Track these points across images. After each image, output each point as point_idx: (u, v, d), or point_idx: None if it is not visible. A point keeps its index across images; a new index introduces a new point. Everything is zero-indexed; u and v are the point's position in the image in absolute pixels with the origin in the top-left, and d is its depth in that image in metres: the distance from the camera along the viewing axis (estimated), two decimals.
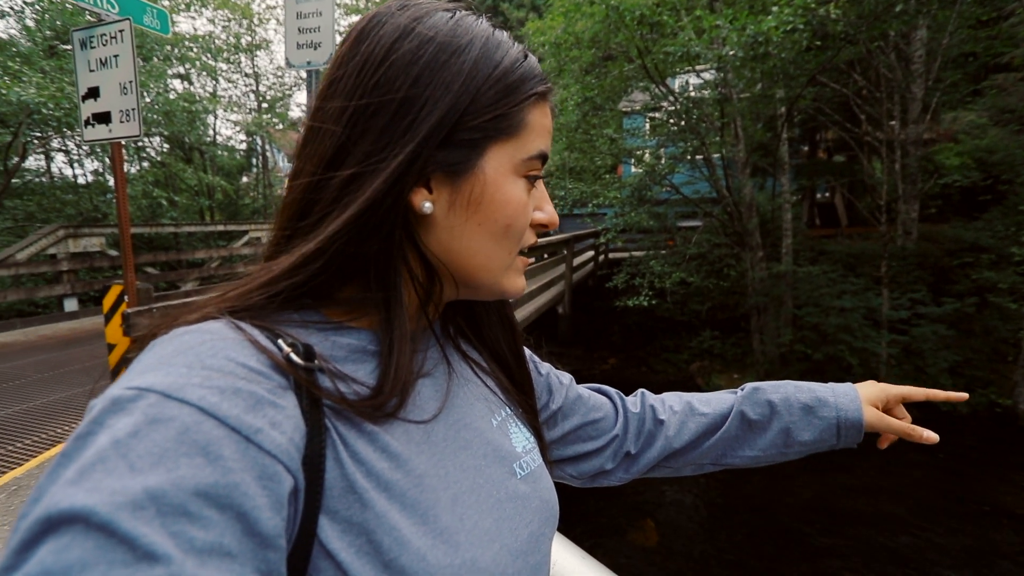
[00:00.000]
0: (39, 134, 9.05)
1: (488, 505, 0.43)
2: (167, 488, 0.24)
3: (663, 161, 10.06)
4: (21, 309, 8.16)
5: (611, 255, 12.83)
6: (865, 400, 0.65)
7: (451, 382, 0.48)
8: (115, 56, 3.59)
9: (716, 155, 9.22)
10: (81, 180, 11.38)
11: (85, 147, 10.26)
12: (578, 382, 0.68)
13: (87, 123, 3.76)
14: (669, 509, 5.93)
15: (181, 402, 0.27)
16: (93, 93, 3.70)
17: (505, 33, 0.44)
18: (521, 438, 0.51)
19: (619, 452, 0.66)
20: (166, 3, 11.16)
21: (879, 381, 0.68)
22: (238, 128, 15.28)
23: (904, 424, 0.65)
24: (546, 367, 0.65)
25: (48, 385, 4.39)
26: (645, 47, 8.02)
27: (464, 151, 0.41)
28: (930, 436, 0.64)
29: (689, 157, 9.52)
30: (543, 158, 0.45)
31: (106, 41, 3.60)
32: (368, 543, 0.34)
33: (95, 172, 11.28)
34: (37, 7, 8.99)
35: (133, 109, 3.58)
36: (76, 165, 11.33)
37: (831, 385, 0.68)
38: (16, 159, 8.90)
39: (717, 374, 9.42)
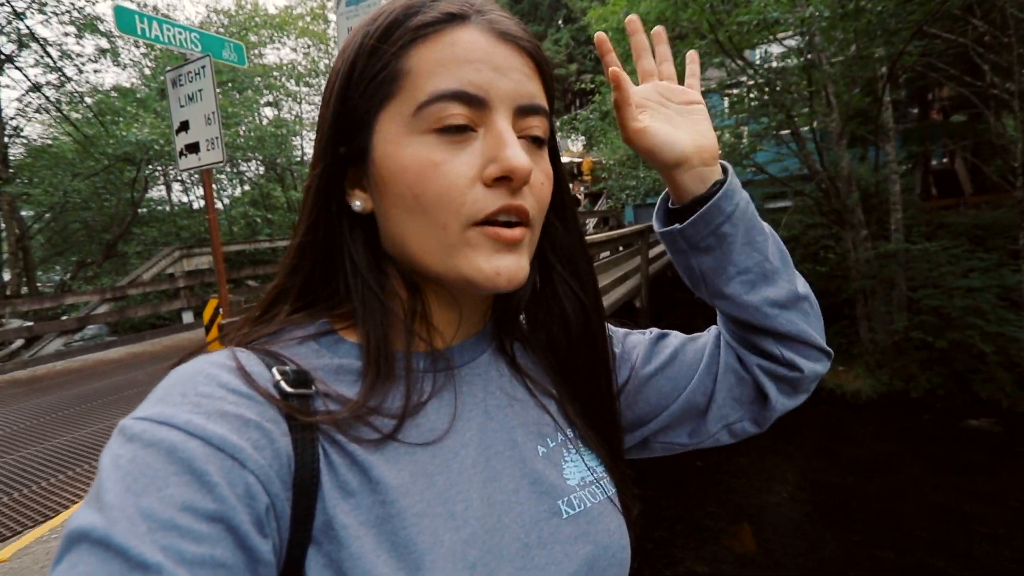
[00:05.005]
0: (159, 168, 10.26)
1: (511, 552, 0.37)
2: (156, 506, 0.27)
3: (744, 140, 9.33)
4: (152, 323, 9.33)
5: None
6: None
7: (475, 402, 0.43)
8: (199, 91, 3.94)
9: (805, 128, 8.41)
10: (195, 205, 12.77)
11: (195, 175, 11.49)
12: None
13: (181, 154, 4.17)
14: (768, 513, 5.48)
15: (170, 426, 0.29)
16: (184, 126, 4.10)
17: None
18: (578, 468, 0.44)
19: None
20: (254, 39, 12.18)
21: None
22: None
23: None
24: (631, 341, 0.56)
25: None
26: (717, 20, 7.47)
27: (360, 136, 0.39)
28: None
29: (774, 133, 8.76)
30: (458, 97, 0.35)
31: (191, 78, 3.96)
32: None
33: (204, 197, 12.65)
34: (151, 56, 10.20)
35: (216, 138, 3.91)
36: (189, 192, 12.75)
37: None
38: (140, 191, 10.16)
39: None
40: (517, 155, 0.35)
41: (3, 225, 9.58)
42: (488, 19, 0.37)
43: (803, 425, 7.28)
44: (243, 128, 10.76)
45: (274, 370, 0.35)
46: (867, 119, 8.73)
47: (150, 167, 9.90)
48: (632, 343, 0.56)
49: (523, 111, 0.38)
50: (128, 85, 10.59)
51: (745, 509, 5.48)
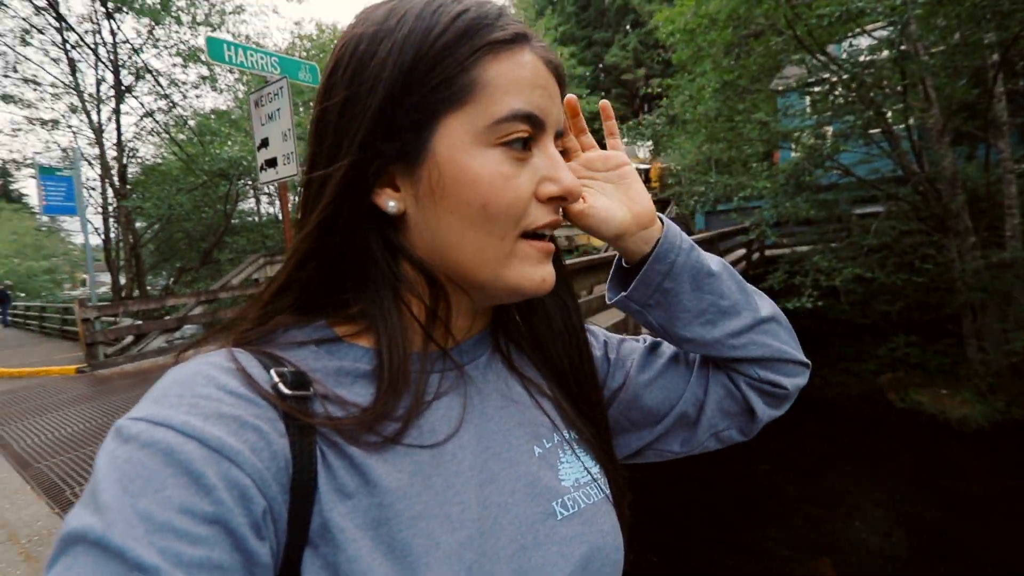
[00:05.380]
0: (249, 182, 11.19)
1: (507, 553, 0.37)
2: (153, 508, 0.27)
3: (828, 141, 8.65)
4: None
5: (767, 252, 11.45)
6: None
7: (474, 404, 0.43)
8: (278, 110, 4.24)
9: (899, 126, 7.68)
10: (280, 216, 13.79)
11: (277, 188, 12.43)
12: None
13: (262, 168, 4.50)
14: (853, 548, 4.98)
15: (167, 427, 0.29)
16: (264, 143, 4.42)
17: None
18: (573, 469, 0.45)
19: None
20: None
21: None
22: None
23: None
24: (623, 347, 0.57)
25: None
26: (795, 14, 7.02)
27: (411, 135, 0.38)
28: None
29: (861, 132, 8.06)
30: (527, 119, 0.38)
31: (271, 98, 4.28)
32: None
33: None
34: (243, 81, 11.19)
35: (291, 153, 4.19)
36: (274, 204, 13.78)
37: None
38: (232, 204, 11.11)
39: (917, 388, 7.74)
40: (572, 178, 0.40)
41: (121, 235, 10.84)
42: (541, 45, 0.40)
43: (895, 452, 6.57)
44: None
45: (272, 372, 0.35)
46: (975, 113, 7.83)
47: (240, 181, 10.81)
48: (628, 349, 0.56)
49: (559, 135, 0.43)
50: (224, 108, 11.67)
51: (826, 541, 5.01)
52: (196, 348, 0.38)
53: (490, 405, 0.44)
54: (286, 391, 0.34)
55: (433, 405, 0.40)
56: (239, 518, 0.29)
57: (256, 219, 13.77)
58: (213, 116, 10.91)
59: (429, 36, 0.37)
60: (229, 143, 8.22)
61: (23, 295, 19.59)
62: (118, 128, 10.01)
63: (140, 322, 8.16)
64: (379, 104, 0.37)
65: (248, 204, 13.53)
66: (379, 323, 0.39)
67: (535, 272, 0.40)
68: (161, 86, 10.13)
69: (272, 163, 4.38)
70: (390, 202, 0.39)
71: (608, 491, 0.46)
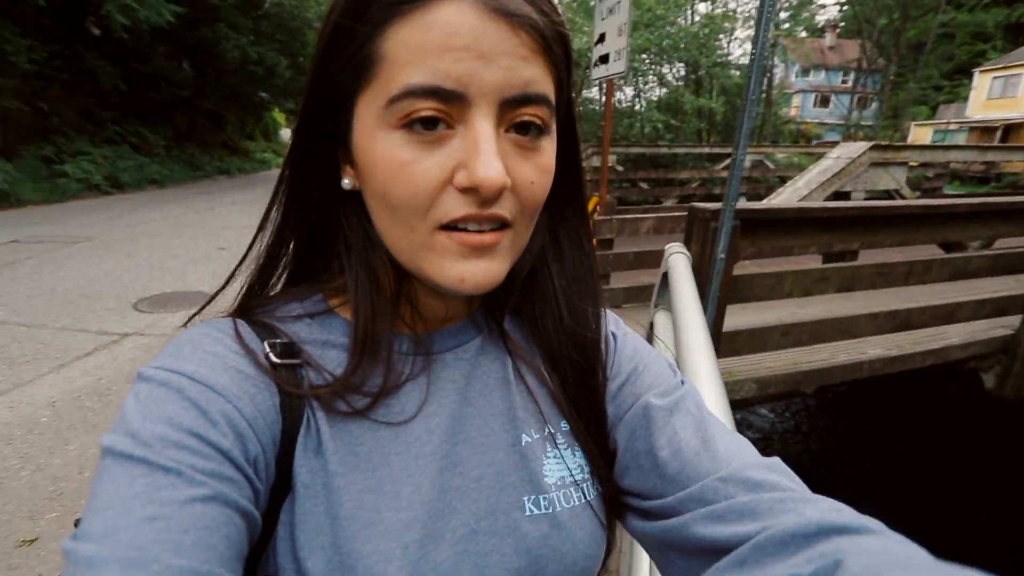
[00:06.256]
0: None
1: (456, 536, 0.38)
2: (168, 429, 0.31)
3: None
4: None
5: None
6: None
7: (451, 389, 0.43)
8: (617, 2, 4.24)
9: None
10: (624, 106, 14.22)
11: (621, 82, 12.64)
12: None
13: (595, 64, 4.71)
14: None
15: (180, 374, 0.34)
16: (601, 39, 4.56)
17: None
18: (559, 467, 0.43)
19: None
20: None
21: None
22: (748, 44, 15.05)
23: None
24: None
25: None
26: None
27: (341, 113, 0.37)
28: None
29: None
30: (433, 93, 0.32)
31: None
32: (290, 537, 0.35)
33: (622, 101, 13.91)
34: None
35: (623, 49, 4.21)
36: (619, 92, 14.17)
37: None
38: (576, 93, 11.97)
39: None
40: (488, 166, 0.32)
41: None
42: None
43: None
44: (671, 29, 10.93)
45: (265, 343, 0.38)
46: None
47: (584, 75, 11.45)
48: (654, 376, 0.46)
49: (512, 103, 0.33)
50: None
51: None
52: (200, 317, 0.42)
53: (475, 390, 0.43)
54: (276, 360, 0.38)
55: (408, 387, 0.41)
56: (237, 453, 0.32)
57: (596, 108, 14.56)
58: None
59: (341, 10, 0.34)
60: (576, 37, 8.72)
61: None
62: None
63: None
64: (314, 79, 0.36)
65: (591, 93, 14.32)
66: (352, 299, 0.40)
67: (451, 268, 0.35)
68: None
69: (604, 59, 4.53)
70: (345, 179, 0.39)
71: (592, 497, 0.43)
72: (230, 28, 14.64)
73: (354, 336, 0.39)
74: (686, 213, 2.46)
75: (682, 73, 13.91)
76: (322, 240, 0.43)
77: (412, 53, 0.32)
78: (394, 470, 0.38)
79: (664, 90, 14.33)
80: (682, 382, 0.45)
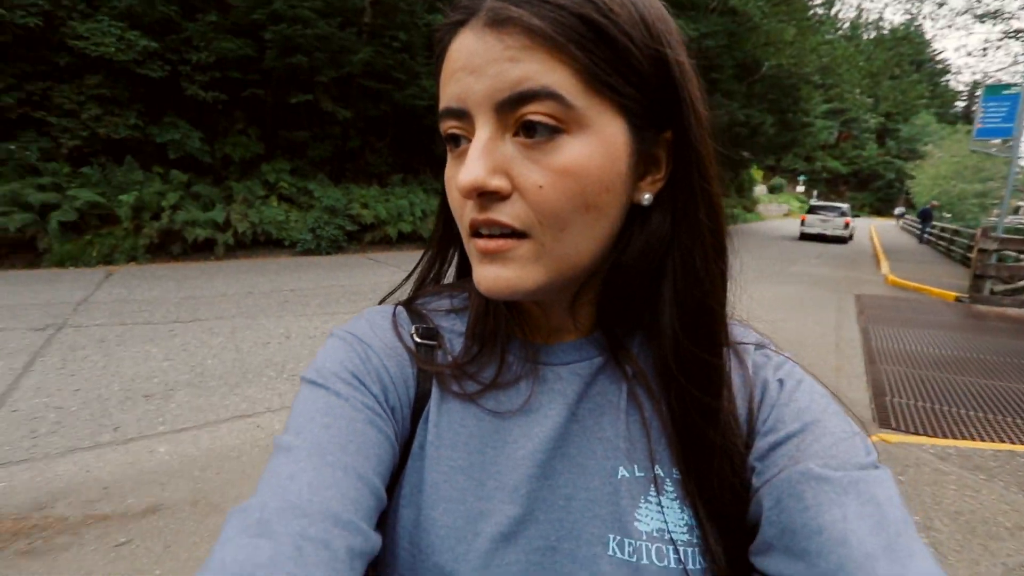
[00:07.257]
0: None
1: (531, 547, 0.39)
2: (339, 369, 0.40)
3: None
4: None
5: None
6: None
7: (561, 403, 0.43)
8: None
9: None
10: None
11: None
12: None
13: None
14: None
15: (352, 335, 0.44)
16: None
17: None
18: (654, 518, 0.39)
19: None
20: None
21: None
22: None
23: None
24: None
25: None
26: None
27: None
28: None
29: None
30: (451, 115, 0.36)
31: None
32: (399, 485, 0.42)
33: None
34: None
35: None
36: None
37: None
38: None
39: None
40: (466, 172, 0.34)
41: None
42: (491, 7, 0.34)
43: None
44: None
45: (413, 326, 0.47)
46: None
47: None
48: (830, 445, 0.36)
49: (507, 105, 0.34)
50: None
51: None
52: (381, 304, 0.51)
53: (586, 408, 0.43)
54: (417, 339, 0.46)
55: (519, 387, 0.43)
56: (383, 398, 0.41)
57: None
58: None
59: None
60: None
61: (947, 216, 20.37)
62: None
63: None
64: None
65: None
66: (472, 297, 0.47)
67: (477, 272, 0.38)
68: None
69: None
70: None
71: (694, 568, 0.37)
72: (724, 96, 15.94)
73: (468, 329, 0.46)
74: None
75: None
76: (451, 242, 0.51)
77: (441, 87, 0.37)
78: (486, 460, 0.41)
79: None
80: (876, 466, 0.35)
